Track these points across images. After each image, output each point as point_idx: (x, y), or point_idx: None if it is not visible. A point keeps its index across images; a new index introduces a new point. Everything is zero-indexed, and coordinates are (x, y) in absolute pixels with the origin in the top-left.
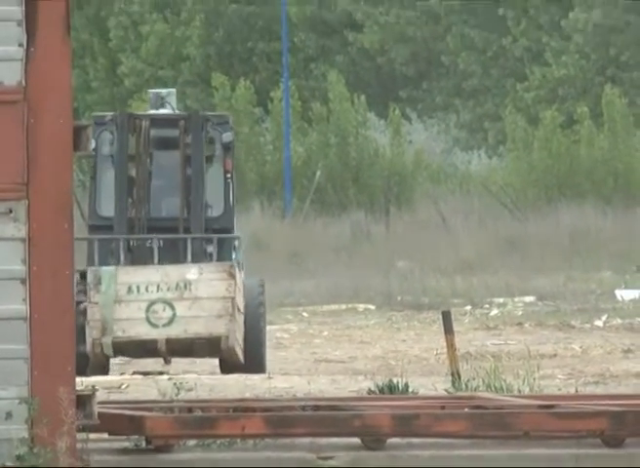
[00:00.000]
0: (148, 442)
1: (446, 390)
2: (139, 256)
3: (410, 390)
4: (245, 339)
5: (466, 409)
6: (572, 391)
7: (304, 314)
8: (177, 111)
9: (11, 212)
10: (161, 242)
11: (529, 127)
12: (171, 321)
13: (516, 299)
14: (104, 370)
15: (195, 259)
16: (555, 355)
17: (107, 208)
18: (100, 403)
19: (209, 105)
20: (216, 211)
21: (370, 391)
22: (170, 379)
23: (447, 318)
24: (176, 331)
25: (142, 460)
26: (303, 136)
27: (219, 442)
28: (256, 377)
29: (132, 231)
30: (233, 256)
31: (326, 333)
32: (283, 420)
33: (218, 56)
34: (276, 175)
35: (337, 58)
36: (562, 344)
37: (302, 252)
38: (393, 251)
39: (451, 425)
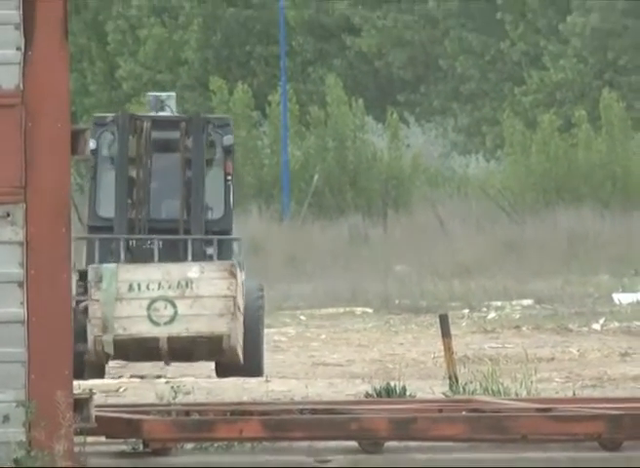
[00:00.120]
0: (146, 445)
1: (443, 393)
2: (138, 257)
3: (407, 393)
4: (243, 342)
5: (464, 413)
6: (569, 394)
7: (302, 317)
8: (174, 114)
9: (8, 215)
10: (161, 243)
11: (527, 131)
12: (172, 319)
13: (514, 303)
14: (100, 373)
15: (195, 261)
16: (553, 358)
17: (107, 209)
18: (97, 406)
19: (207, 109)
20: (216, 213)
21: (367, 394)
22: (167, 383)
23: (444, 321)
24: (177, 330)
25: (140, 463)
26: (301, 139)
27: (216, 445)
28: (253, 381)
29: (132, 232)
30: (233, 258)
31: (323, 337)
32: (280, 424)
33: (215, 59)
34: (274, 178)
35: (334, 61)
36: (560, 348)
37: (300, 255)
38: (391, 254)
39: (448, 428)
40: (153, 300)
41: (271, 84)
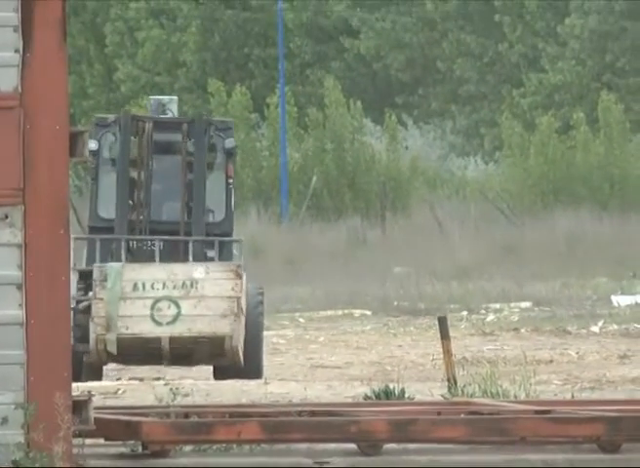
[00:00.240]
0: (145, 447)
1: (442, 396)
2: (139, 259)
3: (406, 396)
4: (243, 344)
5: (463, 415)
6: (568, 396)
7: (301, 319)
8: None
9: (7, 217)
10: (162, 245)
11: (525, 133)
12: (175, 319)
13: (512, 305)
14: (98, 375)
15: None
16: (551, 361)
17: (108, 210)
18: (96, 408)
19: (205, 111)
20: (217, 216)
21: (366, 397)
22: (166, 385)
23: (443, 323)
24: (179, 330)
25: (139, 465)
26: (299, 141)
27: (215, 447)
28: (252, 383)
29: (132, 234)
30: (233, 260)
31: (322, 339)
32: (279, 426)
33: (214, 62)
34: (272, 180)
35: (333, 64)
36: (558, 350)
37: (299, 257)
38: (389, 256)
39: (447, 431)
40: (157, 300)
41: (270, 86)
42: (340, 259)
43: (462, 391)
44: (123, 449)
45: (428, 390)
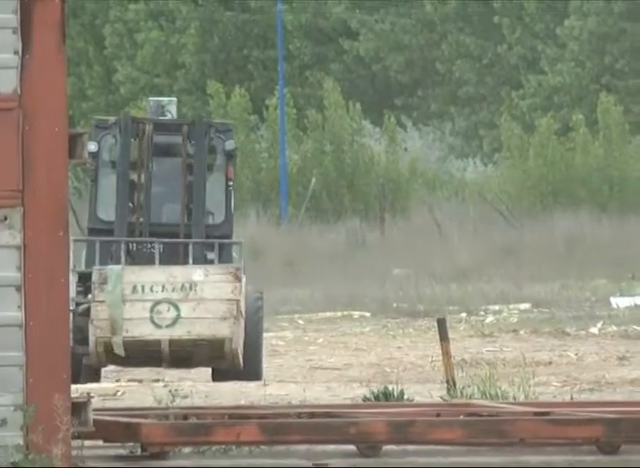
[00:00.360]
0: (144, 449)
1: (441, 397)
2: (139, 261)
3: (405, 397)
4: (243, 346)
5: (462, 417)
6: (567, 398)
7: (300, 321)
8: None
9: (6, 219)
10: (161, 247)
11: (524, 134)
12: (174, 321)
13: (511, 307)
14: (96, 376)
15: (196, 265)
16: (550, 362)
17: (108, 212)
18: (95, 410)
19: (204, 113)
20: (216, 218)
21: (365, 398)
22: (165, 386)
23: (442, 325)
24: (179, 332)
25: (138, 467)
26: (299, 143)
27: (214, 449)
28: (251, 384)
29: (132, 236)
30: (233, 263)
31: (321, 341)
32: (278, 427)
33: (213, 63)
34: (271, 182)
35: (332, 65)
36: (557, 351)
37: (298, 259)
38: (388, 258)
39: (446, 432)
40: (156, 303)
41: (269, 88)
42: (340, 261)
43: (462, 393)
44: (122, 451)
45: (427, 392)
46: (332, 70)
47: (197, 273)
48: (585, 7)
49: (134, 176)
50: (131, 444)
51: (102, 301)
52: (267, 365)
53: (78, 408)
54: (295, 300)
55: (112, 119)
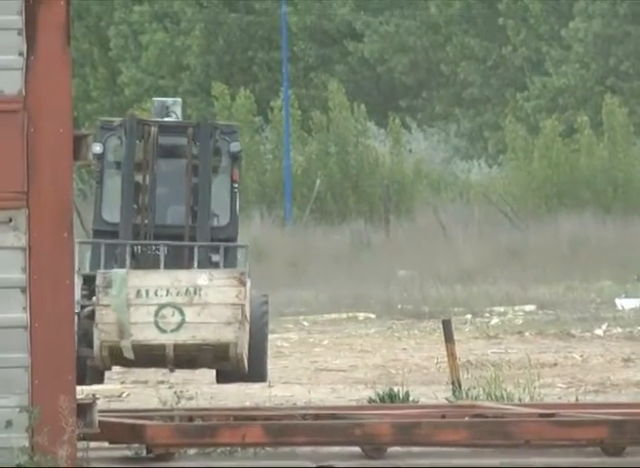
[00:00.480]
0: (149, 450)
1: (446, 399)
2: (144, 263)
3: (410, 399)
4: (248, 349)
5: (467, 418)
6: (572, 400)
7: (305, 323)
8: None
9: (11, 220)
10: (166, 250)
11: (529, 136)
12: (179, 326)
13: (516, 308)
14: (100, 378)
15: (201, 268)
16: (555, 364)
17: (113, 213)
18: (100, 411)
19: (209, 115)
20: (221, 220)
21: (370, 400)
22: (170, 388)
23: (447, 327)
24: (184, 337)
25: None
26: (303, 145)
27: (219, 450)
28: (256, 386)
29: (137, 238)
30: (238, 266)
31: (326, 342)
32: (283, 429)
33: (218, 65)
34: (276, 183)
35: (337, 67)
36: (562, 353)
37: (302, 260)
38: (393, 259)
39: (451, 434)
40: (161, 307)
41: (273, 89)
42: (344, 263)
43: (467, 394)
44: (127, 453)
45: (433, 393)
46: (336, 72)
47: (202, 277)
48: (590, 9)
49: (139, 178)
50: (136, 445)
51: (107, 305)
52: (272, 366)
53: (83, 409)
54: (299, 302)
55: (118, 121)
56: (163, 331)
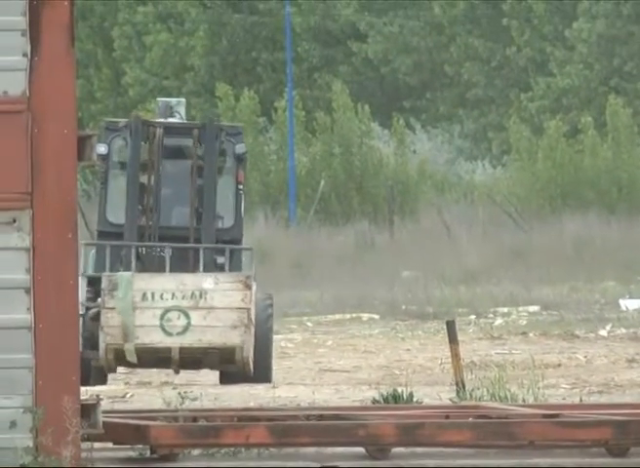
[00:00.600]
0: (153, 451)
1: (450, 399)
2: (148, 265)
3: (414, 399)
4: (253, 351)
5: (471, 419)
6: (576, 400)
7: (309, 323)
8: (185, 121)
9: (15, 221)
10: (171, 252)
11: (533, 137)
12: (185, 329)
13: (520, 309)
14: (104, 379)
15: (206, 270)
16: (559, 364)
17: (117, 214)
18: (104, 412)
19: (213, 115)
20: (226, 222)
21: (374, 400)
22: (174, 389)
23: (451, 327)
24: (190, 340)
25: None
26: (307, 145)
27: (223, 451)
28: (260, 387)
29: (141, 239)
30: (243, 268)
31: (330, 343)
32: (287, 430)
33: (222, 66)
34: (280, 184)
35: (340, 68)
36: (566, 354)
37: (307, 261)
38: (397, 260)
39: (455, 435)
40: (167, 310)
41: (277, 90)
42: (348, 263)
43: (471, 395)
44: (131, 453)
45: (436, 394)
46: (340, 73)
47: (207, 281)
48: (594, 9)
49: (144, 179)
50: (140, 446)
51: (113, 308)
52: (276, 367)
53: (87, 410)
54: (304, 303)
55: (123, 121)
56: (169, 333)
